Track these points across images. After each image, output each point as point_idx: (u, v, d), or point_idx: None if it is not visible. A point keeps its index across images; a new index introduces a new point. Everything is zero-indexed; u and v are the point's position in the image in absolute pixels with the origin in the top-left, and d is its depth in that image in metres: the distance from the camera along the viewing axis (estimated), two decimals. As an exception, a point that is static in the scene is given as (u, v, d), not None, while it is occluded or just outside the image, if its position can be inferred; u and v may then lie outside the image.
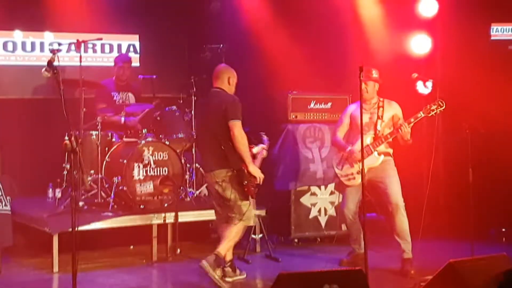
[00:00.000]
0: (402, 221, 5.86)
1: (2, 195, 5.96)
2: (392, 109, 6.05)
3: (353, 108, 6.17)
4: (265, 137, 6.09)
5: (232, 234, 5.59)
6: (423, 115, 5.80)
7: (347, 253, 6.28)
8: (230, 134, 5.49)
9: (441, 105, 5.74)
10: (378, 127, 5.96)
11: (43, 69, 4.64)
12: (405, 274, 5.76)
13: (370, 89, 5.98)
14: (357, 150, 5.76)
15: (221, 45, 7.27)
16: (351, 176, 5.99)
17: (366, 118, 5.90)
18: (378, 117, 5.97)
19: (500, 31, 7.74)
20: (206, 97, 5.85)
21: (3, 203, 6.01)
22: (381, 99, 6.07)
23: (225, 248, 5.59)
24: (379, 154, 5.95)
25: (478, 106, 5.72)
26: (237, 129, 5.48)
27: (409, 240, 5.89)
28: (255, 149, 5.86)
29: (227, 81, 5.70)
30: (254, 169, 5.57)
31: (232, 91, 5.75)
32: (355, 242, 6.14)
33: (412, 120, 5.82)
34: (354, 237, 6.15)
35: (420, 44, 7.70)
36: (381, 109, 6.00)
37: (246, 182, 5.52)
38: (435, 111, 5.76)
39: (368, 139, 5.91)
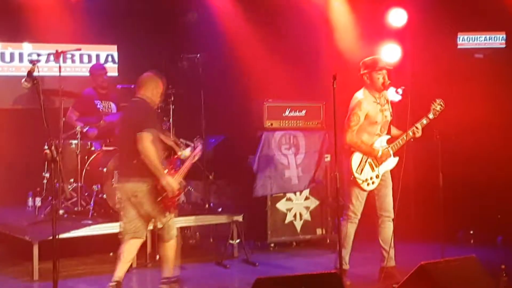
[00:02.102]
0: (390, 229, 5.82)
1: (-18, 205, 6.00)
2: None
3: (365, 103, 5.68)
4: (199, 142, 5.71)
5: (172, 255, 5.30)
6: (433, 117, 5.76)
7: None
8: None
9: (442, 105, 5.78)
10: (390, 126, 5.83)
11: (23, 79, 4.65)
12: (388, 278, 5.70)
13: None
14: (383, 152, 5.71)
15: (198, 55, 7.38)
16: (370, 181, 5.73)
17: (382, 117, 5.73)
18: (391, 115, 5.81)
19: (466, 40, 7.94)
20: (126, 107, 5.58)
21: (-17, 212, 6.06)
22: None
23: (170, 269, 5.32)
24: (394, 156, 5.80)
25: (447, 113, 5.89)
26: (144, 141, 5.02)
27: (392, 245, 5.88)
28: (184, 154, 5.59)
29: (152, 90, 5.33)
30: (167, 182, 5.11)
31: (156, 101, 5.40)
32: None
33: (424, 122, 5.75)
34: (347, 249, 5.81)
35: (390, 53, 7.86)
36: (389, 104, 5.82)
37: (160, 198, 5.13)
38: (438, 112, 5.78)
39: (385, 141, 5.78)
